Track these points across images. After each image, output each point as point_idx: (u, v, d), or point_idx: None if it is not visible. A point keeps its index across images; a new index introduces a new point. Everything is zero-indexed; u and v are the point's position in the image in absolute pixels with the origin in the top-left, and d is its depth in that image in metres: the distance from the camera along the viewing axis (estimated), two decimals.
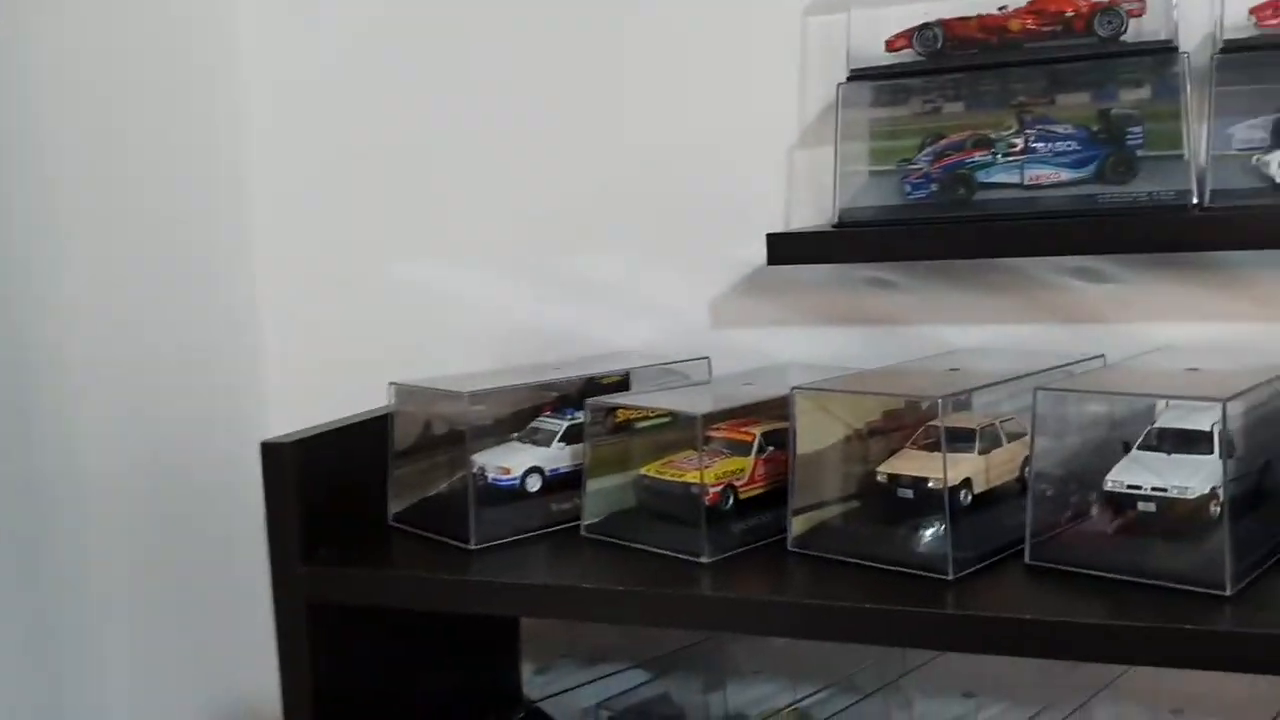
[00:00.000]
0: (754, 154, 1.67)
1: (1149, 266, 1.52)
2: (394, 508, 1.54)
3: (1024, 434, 1.44)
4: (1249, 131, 1.37)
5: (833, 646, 1.66)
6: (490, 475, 1.48)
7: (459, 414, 1.49)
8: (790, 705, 1.70)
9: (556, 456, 1.54)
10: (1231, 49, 1.36)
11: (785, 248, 1.45)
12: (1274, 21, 1.35)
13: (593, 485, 1.47)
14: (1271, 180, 1.31)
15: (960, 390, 1.30)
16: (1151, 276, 1.53)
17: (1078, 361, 1.47)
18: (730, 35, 1.68)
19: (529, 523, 1.47)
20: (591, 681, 1.66)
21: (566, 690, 1.64)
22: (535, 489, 1.50)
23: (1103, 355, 1.50)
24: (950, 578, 1.24)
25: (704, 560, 1.34)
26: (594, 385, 1.63)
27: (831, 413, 1.41)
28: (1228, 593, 1.15)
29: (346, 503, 1.47)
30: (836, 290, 1.68)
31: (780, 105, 1.66)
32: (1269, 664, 1.11)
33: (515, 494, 1.48)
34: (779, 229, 1.57)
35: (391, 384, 1.53)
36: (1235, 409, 1.31)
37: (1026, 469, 1.43)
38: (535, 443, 1.55)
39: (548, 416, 1.59)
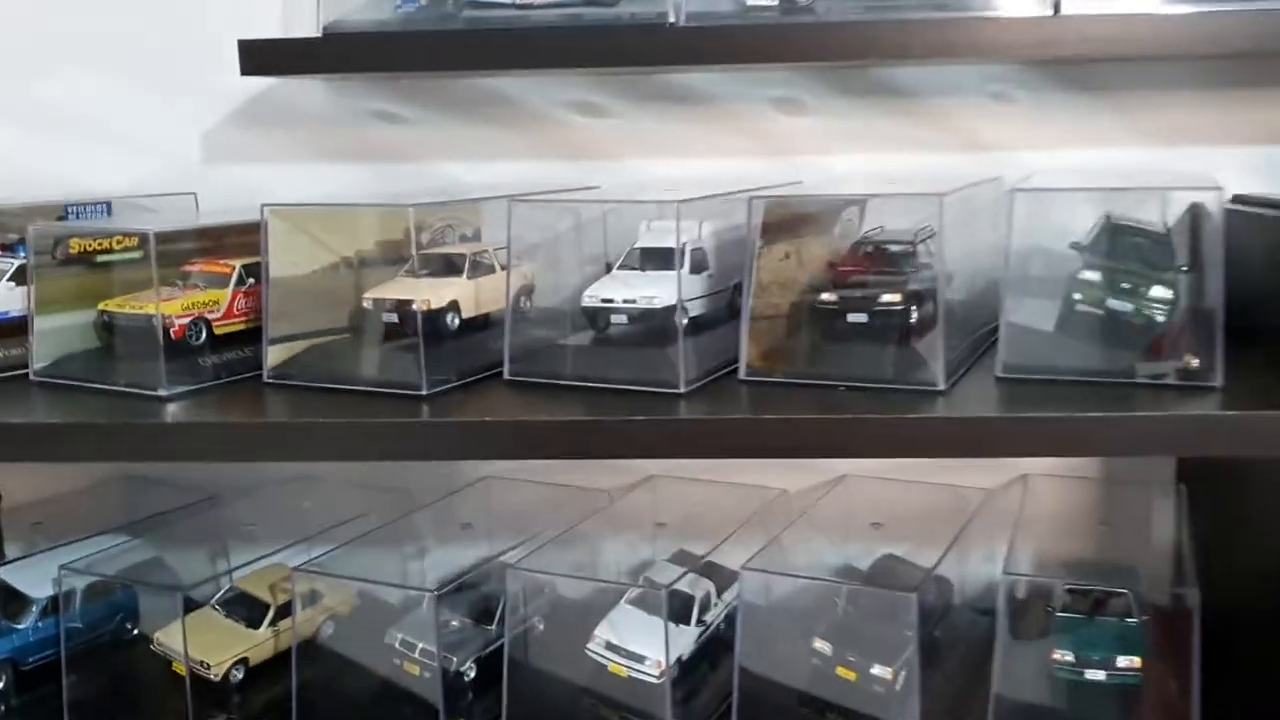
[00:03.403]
0: None
1: (642, 101, 1.54)
2: None
3: (520, 265, 1.42)
4: None
5: (338, 498, 1.60)
6: None
7: None
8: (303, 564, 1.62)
9: (5, 299, 1.37)
10: None
11: (260, 57, 1.33)
12: None
13: (43, 324, 1.32)
14: (743, 4, 1.34)
15: (431, 202, 1.24)
16: (644, 111, 1.55)
17: (573, 190, 1.46)
18: None
19: None
20: (66, 544, 1.49)
21: (31, 554, 1.47)
22: None
23: (599, 186, 1.51)
24: (424, 393, 1.20)
25: (162, 394, 1.23)
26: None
27: (317, 239, 1.32)
28: (681, 390, 1.18)
29: None
30: (340, 123, 1.58)
31: None
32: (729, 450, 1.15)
33: None
34: None
35: None
36: (705, 229, 1.36)
37: (525, 298, 1.43)
38: None
39: None
